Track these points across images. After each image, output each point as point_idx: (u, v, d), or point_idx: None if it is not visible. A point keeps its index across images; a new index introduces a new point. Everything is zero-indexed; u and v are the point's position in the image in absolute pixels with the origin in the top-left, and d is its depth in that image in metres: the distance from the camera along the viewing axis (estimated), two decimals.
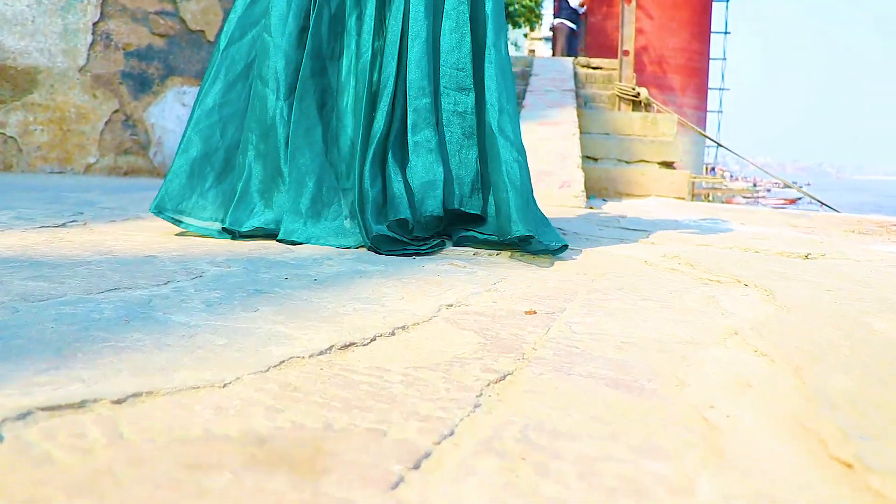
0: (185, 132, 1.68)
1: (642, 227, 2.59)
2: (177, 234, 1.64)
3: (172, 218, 1.66)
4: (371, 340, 0.84)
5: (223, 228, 1.61)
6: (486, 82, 1.65)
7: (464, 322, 0.94)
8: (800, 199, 23.45)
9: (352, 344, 0.81)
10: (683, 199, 5.73)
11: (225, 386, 0.65)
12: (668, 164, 6.02)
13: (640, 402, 0.68)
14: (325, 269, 1.24)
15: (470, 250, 1.55)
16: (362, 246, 1.54)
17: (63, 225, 1.78)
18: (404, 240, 1.50)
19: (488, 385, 0.70)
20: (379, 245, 1.46)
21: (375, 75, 1.66)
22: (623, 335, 0.93)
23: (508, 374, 0.74)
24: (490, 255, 1.53)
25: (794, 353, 0.86)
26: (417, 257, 1.43)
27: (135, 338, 0.78)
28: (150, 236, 1.61)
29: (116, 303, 0.94)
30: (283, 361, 0.73)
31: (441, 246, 1.57)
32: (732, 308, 1.13)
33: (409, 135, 1.61)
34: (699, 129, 8.09)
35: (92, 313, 0.87)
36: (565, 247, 1.56)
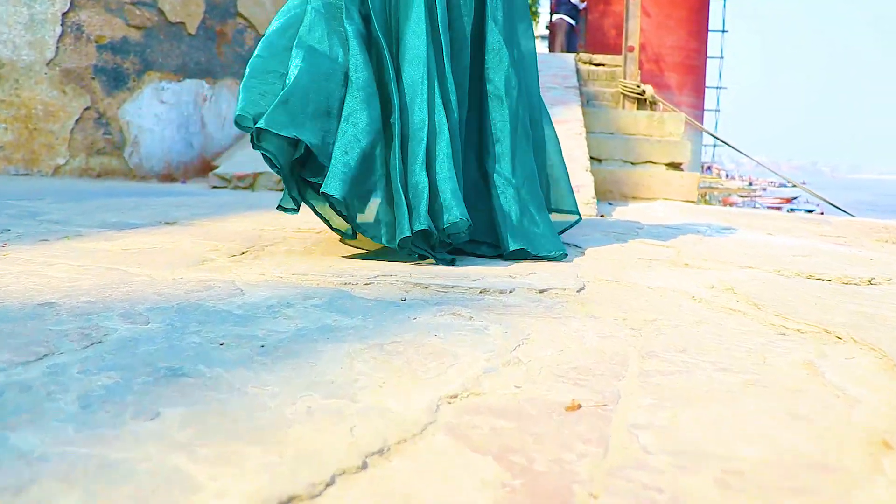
0: None
1: (665, 239, 2.26)
2: (105, 265, 1.31)
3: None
4: (327, 486, 0.51)
5: (258, 128, 1.45)
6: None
7: (476, 433, 0.61)
8: (795, 198, 23.32)
9: (293, 499, 0.48)
10: (693, 202, 5.42)
11: None
12: (675, 166, 5.71)
13: None
14: (281, 326, 0.90)
15: (476, 287, 1.21)
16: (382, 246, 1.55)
17: None
18: (432, 243, 1.52)
19: None
20: (416, 241, 1.48)
21: (404, 73, 1.62)
22: (721, 453, 0.60)
23: None
24: (501, 293, 1.20)
25: None
26: (405, 300, 1.10)
27: None
28: (74, 264, 1.28)
29: None
30: None
31: (452, 262, 1.54)
32: (847, 385, 0.81)
33: (449, 138, 1.58)
34: (707, 130, 7.80)
35: None
36: (564, 255, 1.66)
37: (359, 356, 0.79)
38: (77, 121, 4.67)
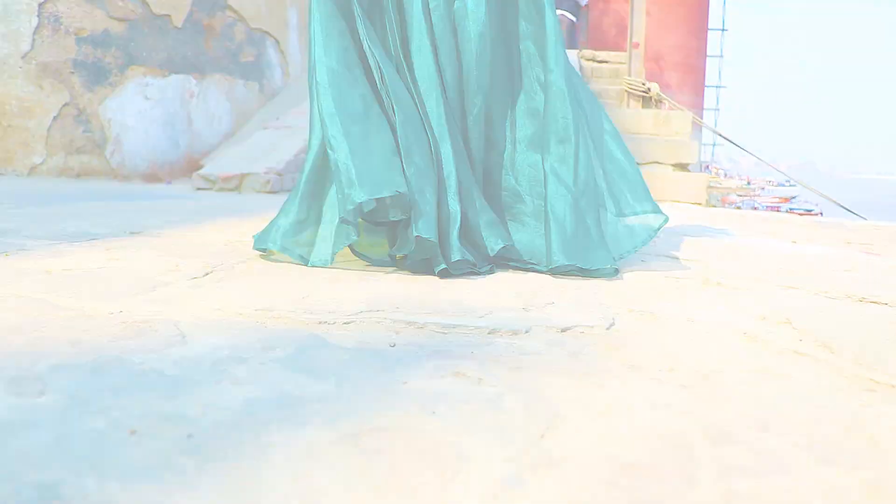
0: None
1: (688, 250, 2.04)
2: (30, 294, 1.07)
3: None
4: None
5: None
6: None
7: None
8: (794, 197, 23.21)
9: None
10: (701, 204, 5.20)
11: None
12: (682, 166, 5.49)
13: None
14: (224, 397, 0.66)
15: (483, 326, 0.97)
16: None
17: None
18: (474, 261, 1.45)
19: None
20: (453, 270, 1.42)
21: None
22: None
23: None
24: (514, 334, 0.96)
25: None
26: (394, 347, 0.87)
27: None
28: None
29: None
30: None
31: (491, 272, 1.49)
32: None
33: (469, 163, 1.56)
34: (716, 130, 7.59)
35: None
36: (616, 270, 1.51)
37: (323, 457, 0.55)
38: (55, 117, 4.42)
